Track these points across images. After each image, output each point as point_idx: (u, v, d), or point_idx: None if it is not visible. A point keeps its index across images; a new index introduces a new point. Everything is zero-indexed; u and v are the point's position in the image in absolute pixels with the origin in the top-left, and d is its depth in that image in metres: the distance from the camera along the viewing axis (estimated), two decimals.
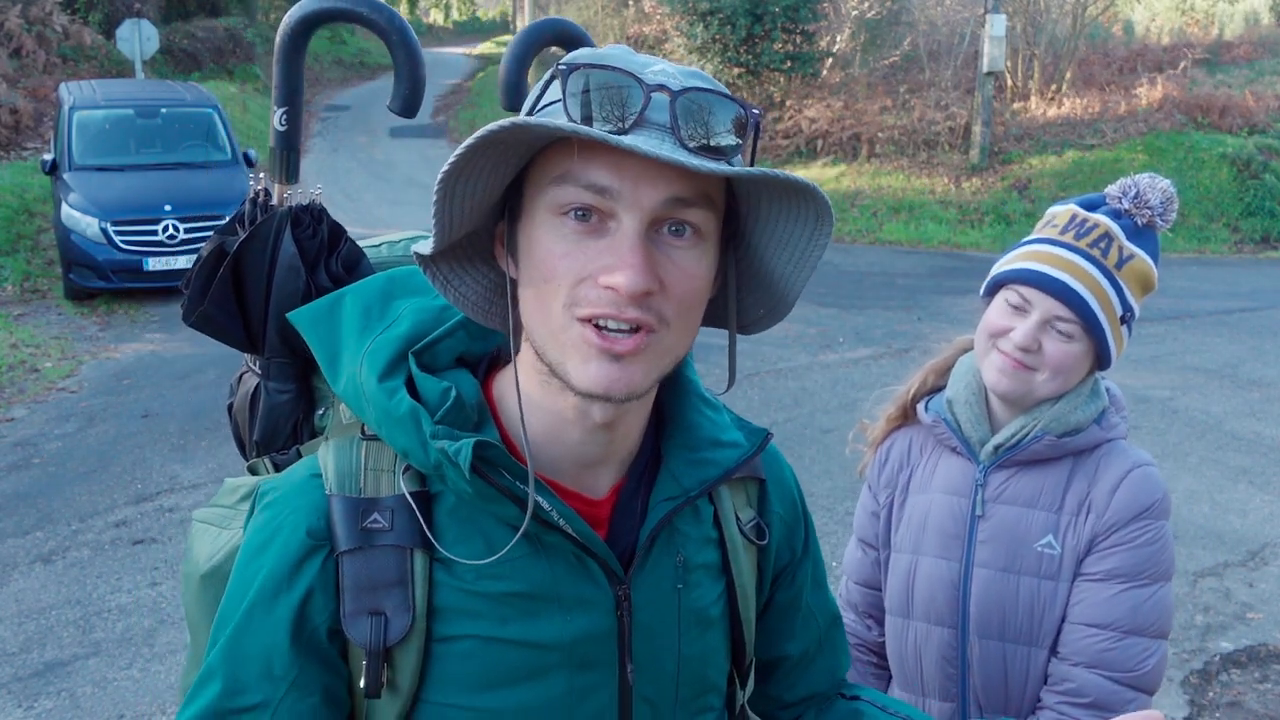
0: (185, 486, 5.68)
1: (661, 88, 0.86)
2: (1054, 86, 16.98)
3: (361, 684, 0.93)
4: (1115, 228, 1.62)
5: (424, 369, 0.97)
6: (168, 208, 9.67)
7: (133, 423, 6.70)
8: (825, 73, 17.53)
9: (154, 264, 9.54)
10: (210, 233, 1.16)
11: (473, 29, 38.58)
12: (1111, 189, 1.66)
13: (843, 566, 1.95)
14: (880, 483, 1.84)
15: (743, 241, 0.97)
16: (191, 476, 5.81)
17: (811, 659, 1.22)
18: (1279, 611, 4.44)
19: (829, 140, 16.31)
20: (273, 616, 0.93)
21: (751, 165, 0.90)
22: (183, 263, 9.59)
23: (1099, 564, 1.61)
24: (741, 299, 1.01)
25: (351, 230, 1.23)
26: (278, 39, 1.21)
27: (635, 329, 0.86)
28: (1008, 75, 16.72)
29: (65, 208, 9.60)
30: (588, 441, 0.97)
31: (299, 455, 1.14)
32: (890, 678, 1.85)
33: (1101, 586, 1.60)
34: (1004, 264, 1.68)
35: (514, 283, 0.94)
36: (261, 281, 1.14)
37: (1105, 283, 1.59)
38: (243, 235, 1.16)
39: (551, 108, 0.88)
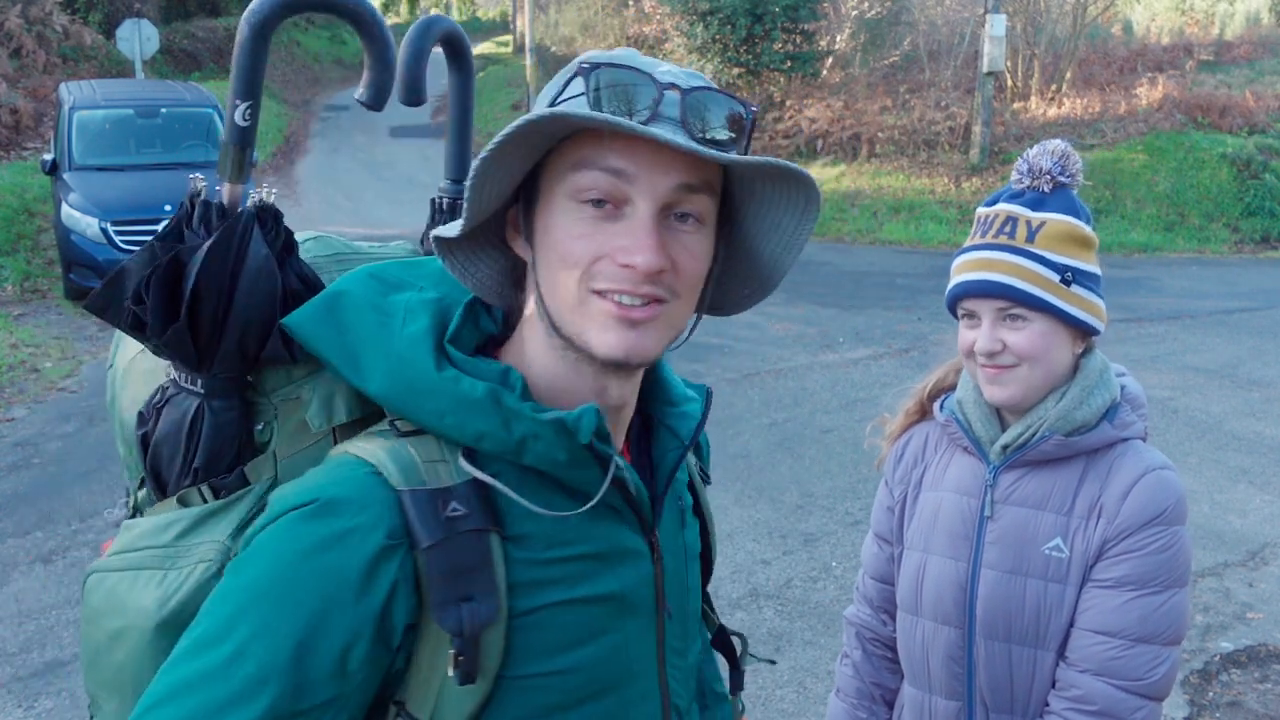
0: None
1: (673, 86, 0.95)
2: (1054, 86, 16.97)
3: (451, 673, 0.93)
4: (1016, 208, 1.66)
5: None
6: (168, 208, 9.61)
7: None
8: (825, 73, 17.53)
9: None
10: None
11: (473, 29, 38.57)
12: (1012, 174, 1.71)
13: (860, 561, 1.96)
14: (895, 478, 1.86)
15: (734, 227, 1.07)
16: None
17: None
18: (1279, 611, 4.44)
19: (829, 140, 16.30)
20: (352, 617, 0.91)
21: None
22: None
23: (1109, 570, 1.60)
24: (730, 280, 1.11)
25: (352, 231, 1.20)
26: (243, 25, 1.09)
27: (648, 301, 0.95)
28: (1008, 75, 16.71)
29: (65, 208, 9.58)
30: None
31: (243, 477, 1.06)
32: (903, 674, 1.86)
33: (1111, 594, 1.59)
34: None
35: (525, 264, 1.01)
36: (221, 290, 1.05)
37: (1020, 259, 1.61)
38: (199, 242, 1.07)
39: (573, 101, 0.96)
